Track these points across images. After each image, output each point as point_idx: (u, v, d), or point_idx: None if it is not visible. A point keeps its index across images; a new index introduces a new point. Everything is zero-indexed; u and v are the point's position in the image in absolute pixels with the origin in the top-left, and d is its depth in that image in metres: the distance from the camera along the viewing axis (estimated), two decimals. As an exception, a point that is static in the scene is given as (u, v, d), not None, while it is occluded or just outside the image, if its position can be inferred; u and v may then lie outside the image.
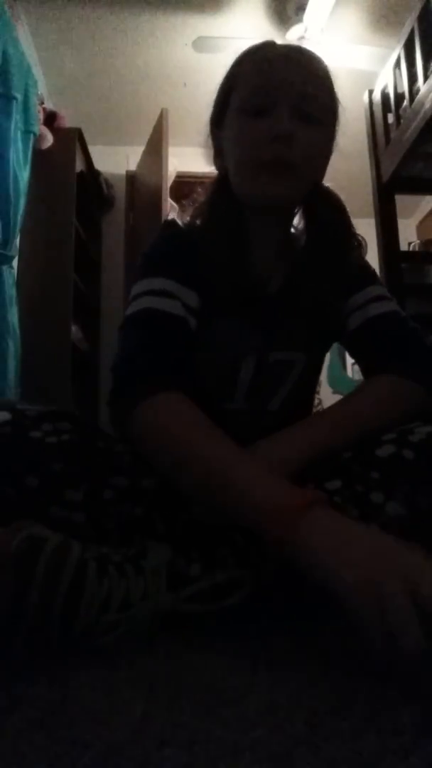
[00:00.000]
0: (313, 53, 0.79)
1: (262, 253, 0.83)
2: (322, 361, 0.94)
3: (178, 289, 0.74)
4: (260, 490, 0.56)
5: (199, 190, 0.89)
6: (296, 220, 0.87)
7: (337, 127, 0.81)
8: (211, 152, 0.86)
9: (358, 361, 0.88)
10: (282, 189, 0.75)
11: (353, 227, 0.86)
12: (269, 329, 0.82)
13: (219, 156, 0.84)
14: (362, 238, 0.88)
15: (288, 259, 0.84)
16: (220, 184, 0.83)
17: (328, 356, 0.96)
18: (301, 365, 0.86)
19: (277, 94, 0.74)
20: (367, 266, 0.90)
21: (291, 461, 0.64)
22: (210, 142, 0.86)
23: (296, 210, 0.86)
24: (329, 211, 0.84)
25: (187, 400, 0.65)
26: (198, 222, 0.84)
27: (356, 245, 0.87)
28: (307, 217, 0.85)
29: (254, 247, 0.82)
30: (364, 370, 0.86)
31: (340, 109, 0.80)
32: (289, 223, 0.86)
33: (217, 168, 0.85)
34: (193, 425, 0.63)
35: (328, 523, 0.51)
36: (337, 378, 3.60)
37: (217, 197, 0.83)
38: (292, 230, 0.88)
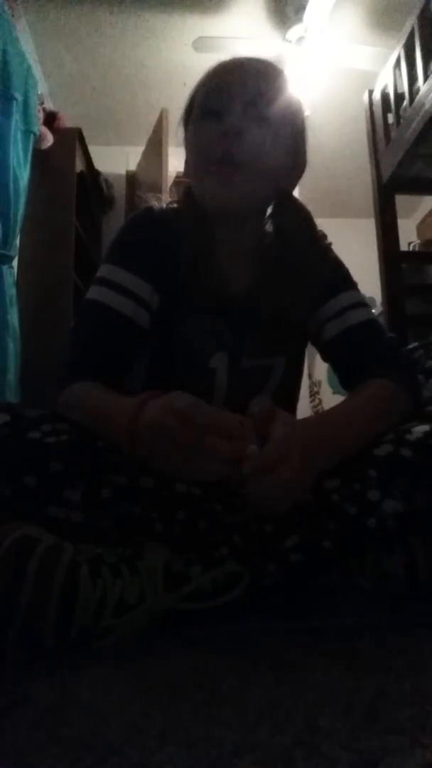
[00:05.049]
0: (269, 61, 0.80)
1: (226, 255, 0.83)
2: (302, 365, 0.95)
3: (132, 282, 0.79)
4: (117, 415, 0.61)
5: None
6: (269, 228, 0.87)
7: (295, 130, 0.81)
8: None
9: (336, 369, 0.89)
10: (231, 190, 0.75)
11: (319, 237, 0.87)
12: (239, 334, 0.84)
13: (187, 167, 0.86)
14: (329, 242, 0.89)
15: (256, 265, 0.85)
16: (187, 192, 0.86)
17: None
18: (281, 370, 0.87)
19: (230, 94, 0.76)
20: (341, 270, 0.90)
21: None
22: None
23: (265, 218, 0.85)
24: (294, 221, 0.85)
25: (96, 384, 0.72)
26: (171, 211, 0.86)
27: (325, 251, 0.88)
28: (275, 227, 0.86)
29: (218, 249, 0.83)
30: (342, 379, 0.87)
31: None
32: (256, 230, 0.85)
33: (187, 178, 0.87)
34: (90, 391, 0.72)
35: (152, 419, 0.56)
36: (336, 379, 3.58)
37: (183, 203, 0.86)
38: (266, 237, 0.87)
